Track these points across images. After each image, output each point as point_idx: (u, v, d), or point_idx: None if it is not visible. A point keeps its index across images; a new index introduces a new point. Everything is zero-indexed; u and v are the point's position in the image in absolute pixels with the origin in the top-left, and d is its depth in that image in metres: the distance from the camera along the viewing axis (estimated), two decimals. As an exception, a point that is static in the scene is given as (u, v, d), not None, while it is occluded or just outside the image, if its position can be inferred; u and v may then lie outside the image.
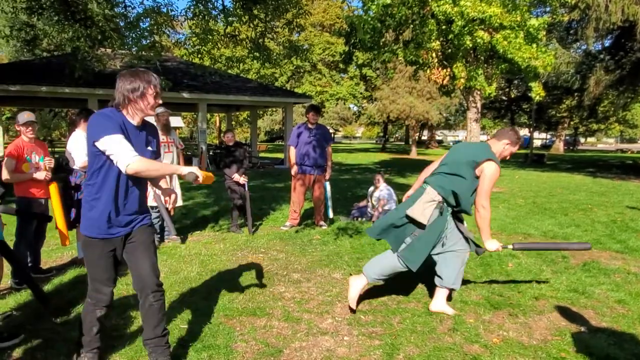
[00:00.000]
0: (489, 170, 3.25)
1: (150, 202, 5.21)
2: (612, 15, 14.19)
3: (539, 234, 6.12)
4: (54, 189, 4.05)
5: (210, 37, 10.52)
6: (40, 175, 4.06)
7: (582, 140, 58.77)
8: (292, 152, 6.36)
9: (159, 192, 5.24)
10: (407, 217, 3.31)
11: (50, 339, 2.93)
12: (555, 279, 4.15)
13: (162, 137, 5.40)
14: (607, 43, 19.59)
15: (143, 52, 10.76)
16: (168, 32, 11.45)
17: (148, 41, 10.64)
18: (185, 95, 15.93)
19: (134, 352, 2.75)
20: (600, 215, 7.62)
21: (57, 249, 5.16)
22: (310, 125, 6.35)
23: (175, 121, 33.97)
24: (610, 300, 3.69)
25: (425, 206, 3.28)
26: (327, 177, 6.49)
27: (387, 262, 3.36)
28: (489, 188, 3.29)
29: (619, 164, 22.79)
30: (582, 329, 3.15)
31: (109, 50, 13.45)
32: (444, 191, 3.31)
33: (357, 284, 3.37)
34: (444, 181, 3.34)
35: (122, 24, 11.30)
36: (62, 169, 4.78)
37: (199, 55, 11.50)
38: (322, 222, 6.52)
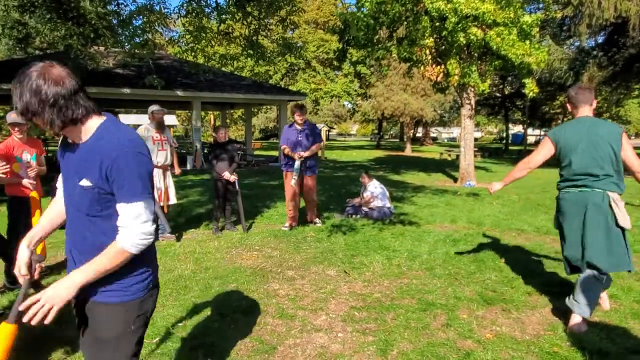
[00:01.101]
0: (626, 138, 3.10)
1: None
2: (605, 11, 14.24)
3: (532, 230, 6.15)
4: (34, 196, 3.98)
5: (204, 34, 10.47)
6: (26, 183, 3.99)
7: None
8: (287, 149, 6.25)
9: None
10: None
11: (42, 338, 2.92)
12: (547, 275, 4.17)
13: (155, 135, 5.40)
14: (600, 39, 19.67)
15: (136, 50, 10.71)
16: (161, 30, 11.41)
17: (141, 39, 10.58)
18: (179, 93, 15.87)
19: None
20: (593, 211, 7.67)
21: (50, 248, 5.13)
22: (297, 126, 6.24)
23: (169, 119, 33.85)
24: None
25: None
26: (305, 154, 6.07)
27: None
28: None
29: (612, 160, 22.91)
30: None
31: (101, 48, 13.39)
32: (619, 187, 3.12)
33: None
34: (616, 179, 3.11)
35: (114, 21, 11.25)
36: (55, 167, 4.77)
37: (193, 53, 11.45)
38: (316, 219, 6.44)
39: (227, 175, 5.96)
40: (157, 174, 5.38)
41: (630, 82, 18.57)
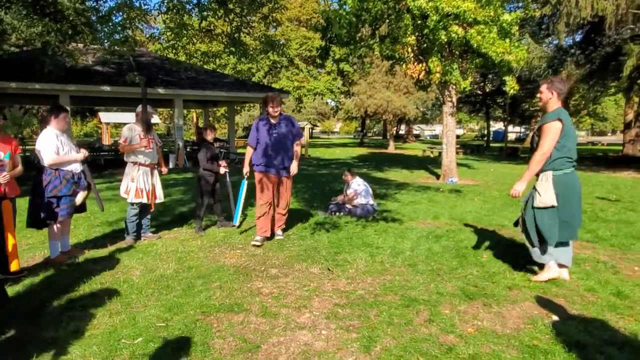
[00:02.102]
0: None
1: (131, 199, 5.24)
2: (582, 10, 14.52)
3: (513, 226, 6.24)
4: (6, 207, 3.86)
5: (185, 31, 10.36)
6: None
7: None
8: (249, 153, 5.39)
9: (141, 187, 5.30)
10: None
11: (21, 339, 2.86)
12: (529, 269, 4.24)
13: (141, 134, 5.34)
14: (577, 38, 20.05)
15: (116, 47, 10.53)
16: (141, 27, 11.24)
17: (121, 36, 10.41)
18: (161, 90, 15.69)
19: (108, 352, 2.71)
20: (571, 206, 7.82)
21: (28, 249, 5.04)
22: (272, 120, 5.28)
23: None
24: (581, 288, 3.80)
25: None
26: (292, 172, 5.42)
27: None
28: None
29: (590, 157, 23.44)
30: (554, 317, 3.24)
31: (80, 45, 13.13)
32: None
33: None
34: None
35: (93, 18, 11.04)
36: (33, 166, 4.71)
37: (174, 50, 11.32)
38: (279, 232, 5.57)
39: (223, 163, 6.19)
40: (144, 172, 5.33)
41: (607, 80, 18.97)
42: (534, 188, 3.92)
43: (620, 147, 25.14)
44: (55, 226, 4.51)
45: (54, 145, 4.43)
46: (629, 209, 7.61)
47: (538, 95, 4.03)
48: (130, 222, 5.35)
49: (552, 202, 3.80)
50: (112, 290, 3.69)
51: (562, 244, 3.93)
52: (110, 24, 10.32)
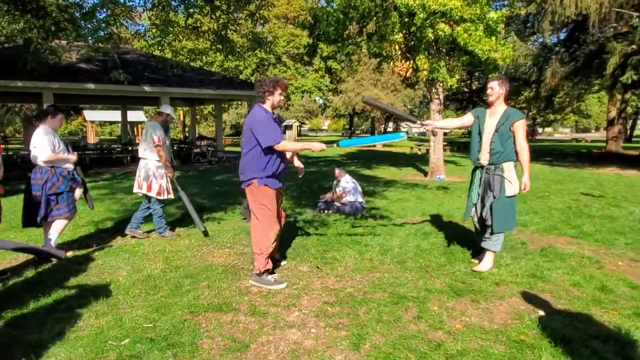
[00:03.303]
0: None
1: (164, 196, 5.47)
2: (566, 8, 14.68)
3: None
4: None
5: (171, 29, 10.28)
6: None
7: (539, 130, 60.84)
8: (289, 146, 3.92)
9: (167, 185, 5.44)
10: None
11: (4, 342, 2.81)
12: (515, 265, 4.29)
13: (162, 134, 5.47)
14: (562, 36, 20.30)
15: (100, 44, 10.41)
16: (126, 24, 11.10)
17: (105, 33, 10.28)
18: (147, 88, 15.52)
19: (94, 354, 2.67)
20: (556, 202, 7.93)
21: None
22: (273, 113, 4.03)
23: (137, 115, 33.08)
24: (566, 283, 3.85)
25: None
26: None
27: None
28: None
29: (574, 153, 23.76)
30: (540, 312, 3.28)
31: (63, 42, 12.92)
32: None
33: None
34: None
35: (77, 14, 10.87)
36: (15, 166, 4.69)
37: (160, 47, 11.22)
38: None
39: None
40: (159, 167, 5.44)
41: (591, 77, 19.23)
42: (502, 176, 4.13)
43: (604, 144, 25.53)
44: (59, 221, 4.68)
45: (50, 142, 4.53)
46: (612, 204, 7.73)
47: (489, 90, 4.28)
48: (160, 218, 5.50)
49: (517, 190, 4.16)
50: (98, 291, 3.64)
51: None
52: (94, 20, 10.19)
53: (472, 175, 4.43)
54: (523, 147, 4.09)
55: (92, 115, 30.85)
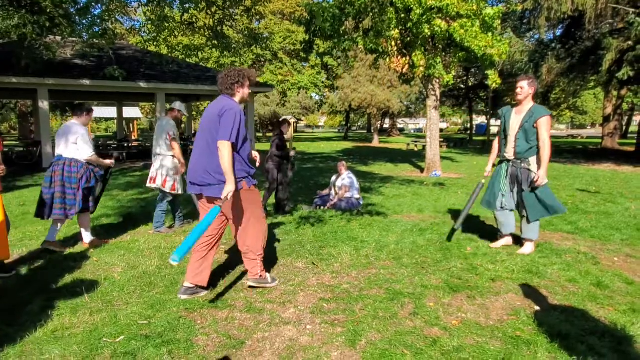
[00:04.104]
0: None
1: (178, 191, 5.61)
2: (562, 5, 14.69)
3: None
4: None
5: (167, 24, 10.21)
6: None
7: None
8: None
9: (179, 180, 5.56)
10: None
11: (-2, 341, 2.79)
12: (511, 261, 4.29)
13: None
14: (558, 32, 20.32)
15: (95, 40, 10.33)
16: (121, 19, 11.04)
17: (100, 28, 10.20)
18: (142, 84, 15.44)
19: (89, 351, 2.65)
20: (552, 199, 7.94)
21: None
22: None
23: (133, 112, 32.94)
24: (562, 279, 3.86)
25: None
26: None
27: None
28: None
29: (570, 149, 23.83)
30: (536, 308, 3.28)
31: (58, 38, 12.84)
32: None
33: None
34: None
35: (72, 10, 10.79)
36: (11, 162, 4.77)
37: (155, 43, 11.16)
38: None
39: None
40: (175, 164, 5.60)
41: (587, 74, 19.25)
42: (528, 170, 4.47)
43: (600, 140, 25.62)
44: (85, 216, 4.92)
45: (90, 141, 4.82)
46: (608, 200, 7.76)
47: (519, 89, 4.48)
48: (162, 213, 5.61)
49: (545, 180, 4.44)
50: (93, 288, 3.62)
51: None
52: (89, 16, 10.12)
53: (498, 168, 4.76)
54: (545, 142, 4.34)
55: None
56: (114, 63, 11.89)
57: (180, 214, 5.88)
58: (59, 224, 4.83)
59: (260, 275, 3.64)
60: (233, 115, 3.27)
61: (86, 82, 14.32)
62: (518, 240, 4.81)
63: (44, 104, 14.00)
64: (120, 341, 2.76)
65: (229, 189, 3.18)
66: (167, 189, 5.50)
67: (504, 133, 4.67)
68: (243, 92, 3.50)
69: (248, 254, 3.59)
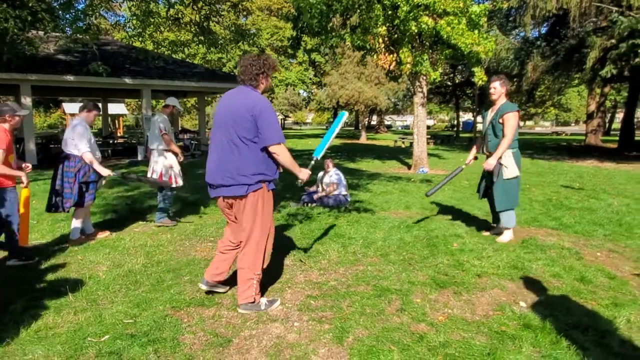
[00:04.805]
0: None
1: (180, 184, 5.83)
2: (547, 3, 14.83)
3: (482, 214, 6.37)
4: (26, 193, 4.24)
5: (152, 19, 10.09)
6: (24, 179, 4.22)
7: (521, 123, 61.64)
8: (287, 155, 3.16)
9: (177, 172, 5.69)
10: None
11: (-21, 342, 2.74)
12: (497, 257, 4.33)
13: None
14: (543, 30, 20.53)
15: (78, 35, 10.17)
16: (106, 14, 10.88)
17: (84, 23, 10.05)
18: (128, 80, 15.23)
19: (73, 351, 2.62)
20: (537, 195, 8.04)
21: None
22: None
23: (118, 108, 32.55)
24: (547, 274, 3.91)
25: None
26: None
27: None
28: None
29: (555, 146, 24.14)
30: (521, 303, 3.32)
31: (41, 33, 12.61)
32: None
33: None
34: None
35: (55, 4, 10.61)
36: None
37: (141, 39, 11.02)
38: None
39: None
40: (170, 158, 5.74)
41: (571, 71, 19.50)
42: (500, 164, 4.73)
43: (583, 137, 25.98)
44: (82, 209, 4.97)
45: (87, 136, 4.86)
46: (592, 196, 7.87)
47: (492, 89, 4.78)
48: (169, 205, 5.81)
49: (517, 173, 4.73)
50: (77, 287, 3.58)
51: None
52: (73, 10, 9.96)
53: None
54: (506, 135, 4.63)
55: (71, 107, 30.17)
56: (98, 59, 11.74)
57: (161, 212, 5.81)
58: (80, 215, 5.03)
59: (254, 300, 3.16)
60: (273, 113, 3.00)
61: (70, 77, 14.09)
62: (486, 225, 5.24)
63: (27, 100, 13.75)
64: (105, 340, 2.73)
65: (302, 175, 3.27)
66: (179, 184, 5.74)
67: (482, 131, 5.03)
68: (267, 83, 3.16)
69: (244, 270, 3.13)
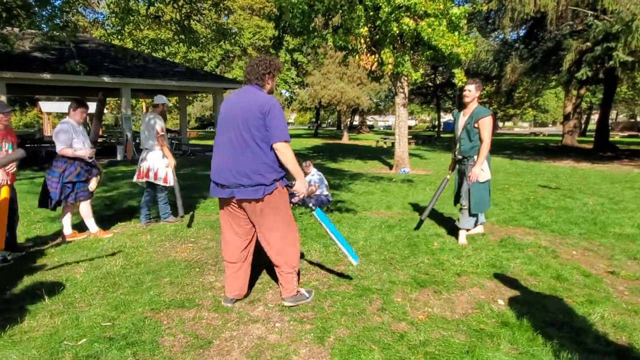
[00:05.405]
0: None
1: (172, 182, 5.70)
2: (525, 6, 15.10)
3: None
4: (5, 192, 4.16)
5: (131, 17, 9.94)
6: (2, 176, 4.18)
7: (500, 124, 62.66)
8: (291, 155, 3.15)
9: (170, 172, 5.64)
10: None
11: (-50, 347, 2.66)
12: (476, 256, 4.40)
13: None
14: (521, 33, 20.88)
15: (55, 32, 9.95)
16: (83, 11, 10.68)
17: (61, 20, 9.84)
18: (106, 79, 15.00)
19: (49, 355, 2.57)
20: (516, 194, 8.18)
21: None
22: None
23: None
24: (524, 272, 3.98)
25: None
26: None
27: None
28: None
29: (533, 147, 24.58)
30: (499, 301, 3.37)
31: (16, 30, 12.30)
32: None
33: None
34: None
35: (31, 0, 10.36)
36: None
37: (120, 37, 10.84)
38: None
39: None
40: (164, 157, 5.72)
41: (548, 73, 19.88)
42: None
43: (560, 138, 26.52)
44: (68, 207, 5.02)
45: (68, 136, 4.84)
46: (568, 196, 8.04)
47: (466, 92, 4.76)
48: (166, 205, 5.83)
49: (490, 176, 4.78)
50: (54, 290, 3.50)
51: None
52: (49, 7, 9.74)
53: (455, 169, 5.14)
54: (485, 141, 4.62)
55: (48, 106, 29.48)
56: (76, 56, 11.52)
57: (148, 212, 5.83)
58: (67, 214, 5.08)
59: (298, 292, 3.28)
60: (281, 112, 3.04)
61: (47, 75, 13.81)
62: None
63: (2, 99, 13.42)
64: (82, 344, 2.68)
65: (300, 185, 3.19)
66: (160, 182, 5.66)
67: (454, 133, 5.01)
68: (272, 83, 3.22)
69: (282, 267, 3.21)
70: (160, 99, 5.87)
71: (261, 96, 3.05)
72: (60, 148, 4.81)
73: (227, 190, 3.05)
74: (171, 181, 5.73)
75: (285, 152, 3.01)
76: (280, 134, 2.98)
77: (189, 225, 5.69)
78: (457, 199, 5.14)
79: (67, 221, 5.08)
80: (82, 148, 4.94)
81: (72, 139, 4.87)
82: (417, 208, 6.84)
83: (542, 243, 4.90)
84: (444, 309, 3.23)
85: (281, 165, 3.10)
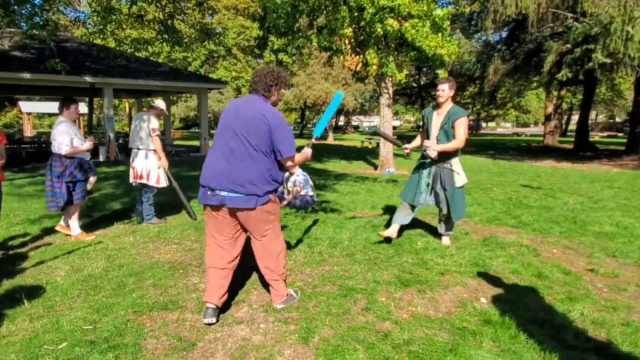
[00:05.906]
0: None
1: (163, 184, 5.70)
2: (507, 8, 15.30)
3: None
4: None
5: (113, 16, 9.81)
6: None
7: (483, 124, 63.40)
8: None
9: (162, 173, 5.64)
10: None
11: None
12: (459, 255, 4.44)
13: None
14: (504, 34, 21.18)
15: (35, 31, 9.76)
16: (64, 10, 10.50)
17: (41, 19, 9.66)
18: (88, 79, 14.75)
19: (29, 359, 2.52)
20: (498, 194, 8.29)
21: None
22: None
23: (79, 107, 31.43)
24: (506, 271, 4.03)
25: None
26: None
27: None
28: None
29: (515, 147, 24.93)
30: (482, 299, 3.41)
31: (-6, 28, 12.05)
32: None
33: None
34: None
35: (9, -2, 10.15)
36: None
37: (102, 36, 10.68)
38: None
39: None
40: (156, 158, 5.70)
41: (529, 74, 20.18)
42: (451, 170, 4.60)
43: (542, 138, 26.94)
44: (72, 207, 5.06)
45: (69, 135, 4.89)
46: (549, 195, 8.18)
47: (440, 92, 4.58)
48: (150, 206, 5.78)
49: (466, 180, 4.67)
50: (33, 293, 3.44)
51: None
52: (29, 5, 9.55)
53: (420, 165, 4.78)
54: (459, 136, 4.48)
55: (28, 106, 28.92)
56: (57, 56, 11.32)
57: (147, 212, 5.83)
58: (70, 214, 5.12)
59: (288, 294, 3.37)
60: (289, 126, 3.09)
61: (26, 75, 13.54)
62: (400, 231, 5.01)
63: (-21, 98, 13.12)
64: (63, 348, 2.64)
65: (305, 155, 3.39)
66: (152, 183, 5.64)
67: (426, 133, 4.75)
68: (278, 96, 3.21)
69: (269, 274, 3.28)
70: (160, 103, 5.87)
71: (268, 108, 3.03)
72: (65, 150, 4.87)
73: (218, 197, 2.98)
74: (163, 182, 5.71)
75: (294, 163, 3.18)
76: (290, 148, 3.03)
77: (194, 218, 5.71)
78: (417, 197, 4.76)
79: (74, 221, 5.14)
80: (83, 143, 5.03)
81: (72, 138, 4.93)
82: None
83: (524, 242, 4.97)
84: (427, 308, 3.26)
85: (278, 176, 3.11)
